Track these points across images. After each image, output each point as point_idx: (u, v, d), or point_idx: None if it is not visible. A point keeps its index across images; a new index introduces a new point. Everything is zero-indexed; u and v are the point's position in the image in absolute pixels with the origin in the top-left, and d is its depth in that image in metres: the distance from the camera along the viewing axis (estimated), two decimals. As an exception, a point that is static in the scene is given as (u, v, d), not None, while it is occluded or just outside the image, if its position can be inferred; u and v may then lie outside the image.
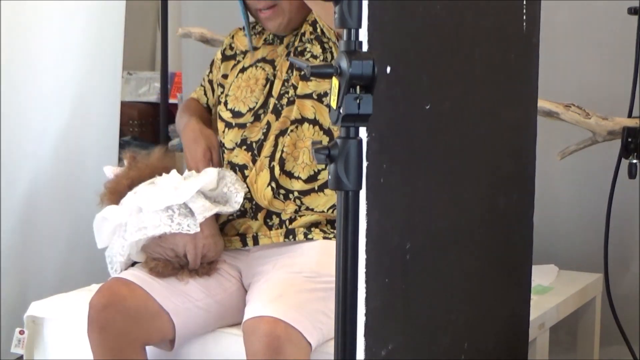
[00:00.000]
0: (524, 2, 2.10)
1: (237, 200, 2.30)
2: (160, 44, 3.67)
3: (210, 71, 2.57)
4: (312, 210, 2.31)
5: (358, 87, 1.42)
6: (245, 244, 2.35)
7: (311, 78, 2.29)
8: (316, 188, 2.30)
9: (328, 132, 2.30)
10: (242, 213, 2.34)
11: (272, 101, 2.35)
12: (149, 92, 4.80)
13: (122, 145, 3.70)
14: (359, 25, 1.43)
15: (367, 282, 1.62)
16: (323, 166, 2.27)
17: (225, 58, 2.52)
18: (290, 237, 2.30)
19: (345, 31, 1.43)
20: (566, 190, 3.41)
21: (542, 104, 2.59)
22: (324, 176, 2.29)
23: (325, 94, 2.29)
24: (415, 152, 1.78)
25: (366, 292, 1.63)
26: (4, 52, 3.06)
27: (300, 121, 2.30)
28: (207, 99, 2.58)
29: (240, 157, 2.36)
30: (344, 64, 1.41)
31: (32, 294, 2.93)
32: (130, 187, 2.37)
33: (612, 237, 2.86)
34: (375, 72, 1.41)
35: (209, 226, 2.30)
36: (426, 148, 1.81)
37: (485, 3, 1.96)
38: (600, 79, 3.26)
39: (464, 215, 1.97)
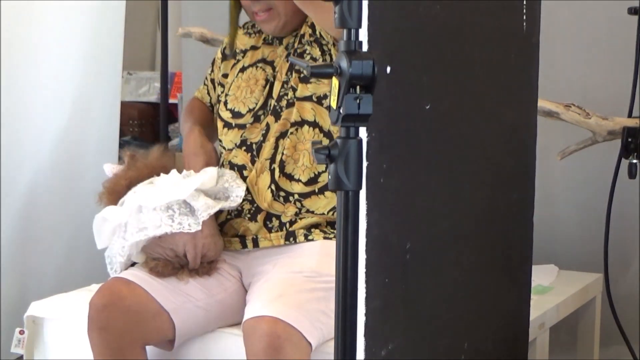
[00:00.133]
0: (524, 2, 2.10)
1: (238, 194, 2.30)
2: (160, 44, 3.68)
3: (212, 70, 2.57)
4: (312, 212, 2.31)
5: (358, 87, 1.42)
6: (244, 245, 2.35)
7: (310, 80, 2.29)
8: (316, 190, 2.30)
9: (328, 135, 2.30)
10: (239, 213, 2.34)
11: (271, 102, 2.35)
12: (149, 92, 4.80)
13: (122, 145, 3.70)
14: (359, 25, 1.43)
15: (367, 282, 1.63)
16: (323, 168, 2.27)
17: (225, 57, 2.51)
18: (291, 239, 2.30)
19: (345, 31, 1.43)
20: (566, 190, 3.41)
21: (542, 104, 2.59)
22: (324, 179, 2.29)
23: (325, 97, 2.29)
24: (415, 152, 1.78)
25: (366, 292, 1.63)
26: (4, 52, 3.06)
27: (300, 124, 2.30)
28: (210, 97, 2.58)
29: (240, 157, 2.36)
30: (344, 64, 1.41)
31: (32, 294, 2.93)
32: (128, 187, 2.37)
33: (612, 237, 2.86)
34: (375, 72, 1.41)
35: (209, 226, 2.30)
36: (426, 148, 1.82)
37: (485, 3, 1.96)
38: (600, 79, 3.26)
39: (464, 215, 1.97)
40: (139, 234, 2.26)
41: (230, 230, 2.37)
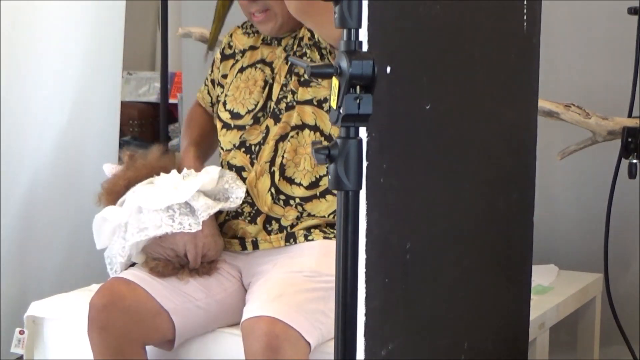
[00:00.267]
0: (525, 2, 2.10)
1: (238, 195, 2.30)
2: (160, 44, 3.67)
3: (212, 70, 2.56)
4: (313, 216, 2.31)
5: (358, 87, 1.42)
6: (244, 247, 2.35)
7: (311, 84, 2.29)
8: (318, 194, 2.30)
9: (329, 138, 2.29)
10: (238, 214, 2.34)
11: (271, 105, 2.35)
12: (149, 92, 4.80)
13: (122, 145, 3.70)
14: (359, 25, 1.43)
15: (367, 282, 1.62)
16: (324, 172, 2.27)
17: (224, 57, 2.51)
18: (291, 240, 2.30)
19: (345, 31, 1.43)
20: (566, 190, 3.41)
21: (542, 104, 2.59)
22: (326, 182, 2.29)
23: (326, 100, 2.28)
24: (415, 152, 1.78)
25: (366, 292, 1.63)
26: (4, 52, 3.05)
27: (300, 127, 2.29)
28: (211, 97, 2.57)
29: (239, 159, 2.36)
30: (344, 63, 1.41)
31: (32, 294, 2.93)
32: (127, 187, 2.36)
33: (612, 237, 2.86)
34: (375, 72, 1.41)
35: (209, 225, 2.30)
36: (426, 148, 1.81)
37: (485, 3, 1.96)
38: (600, 79, 3.26)
39: (464, 215, 1.97)
40: (140, 234, 2.26)
41: (229, 231, 2.37)
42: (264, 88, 2.37)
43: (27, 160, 3.20)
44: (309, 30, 2.33)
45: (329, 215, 2.31)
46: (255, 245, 2.33)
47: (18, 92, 3.14)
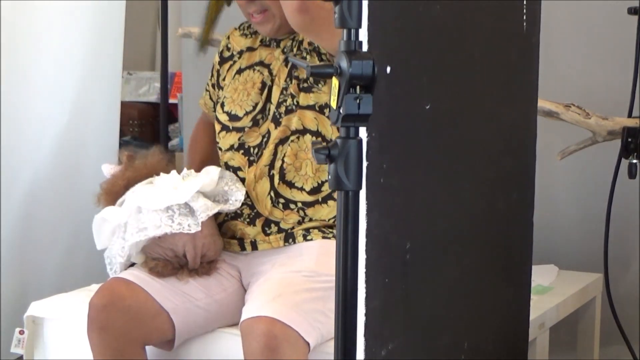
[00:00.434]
0: (524, 2, 2.10)
1: (237, 198, 2.30)
2: (160, 44, 3.67)
3: (212, 75, 2.56)
4: (315, 220, 2.31)
5: (358, 87, 1.42)
6: (243, 248, 2.35)
7: (313, 90, 2.29)
8: (320, 200, 2.30)
9: None
10: (237, 215, 2.34)
11: (271, 108, 2.34)
12: (149, 92, 4.80)
13: (122, 145, 3.70)
14: (359, 25, 1.43)
15: (367, 282, 1.62)
16: (326, 177, 2.27)
17: (223, 60, 2.51)
18: (290, 240, 2.30)
19: (345, 31, 1.43)
20: (566, 190, 3.41)
21: (542, 104, 2.59)
22: (327, 187, 2.29)
23: (327, 105, 2.28)
24: (415, 152, 1.78)
25: (366, 292, 1.63)
26: (4, 52, 3.06)
27: (302, 132, 2.29)
28: (213, 102, 2.57)
29: (237, 160, 2.36)
30: (344, 63, 1.41)
31: (32, 294, 2.93)
32: (126, 187, 2.36)
33: (612, 237, 2.86)
34: (375, 72, 1.41)
35: (208, 225, 2.30)
36: (426, 148, 1.81)
37: (485, 3, 1.96)
38: (600, 79, 3.26)
39: (464, 215, 1.97)
40: (139, 234, 2.26)
41: (228, 231, 2.37)
42: (261, 90, 2.37)
43: (27, 159, 3.20)
44: None
45: (329, 220, 2.31)
46: (254, 246, 2.33)
47: (18, 92, 3.14)
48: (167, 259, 2.30)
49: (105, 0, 3.37)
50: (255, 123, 2.35)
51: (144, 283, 2.25)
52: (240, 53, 2.47)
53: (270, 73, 2.38)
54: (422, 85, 1.78)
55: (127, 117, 4.48)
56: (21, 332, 2.50)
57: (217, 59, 2.53)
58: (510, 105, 2.12)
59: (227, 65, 2.49)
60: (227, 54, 2.51)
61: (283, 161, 2.30)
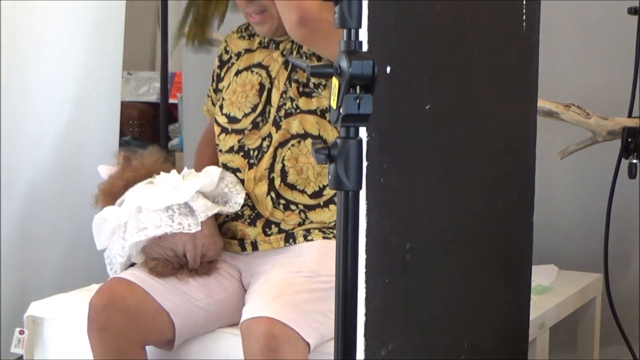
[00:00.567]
0: (524, 2, 2.10)
1: (237, 201, 2.30)
2: (160, 44, 3.67)
3: (212, 80, 2.56)
4: (315, 223, 2.31)
5: (358, 87, 1.42)
6: (243, 248, 2.35)
7: (313, 95, 2.29)
8: (322, 203, 2.31)
9: None
10: (237, 216, 2.34)
11: (271, 111, 2.34)
12: (149, 92, 4.80)
13: (122, 145, 3.70)
14: (359, 25, 1.43)
15: (367, 282, 1.62)
16: (327, 182, 2.27)
17: (222, 64, 2.51)
18: (291, 240, 2.30)
19: (345, 31, 1.43)
20: (566, 190, 3.41)
21: (542, 104, 2.59)
22: (329, 192, 2.29)
23: (328, 110, 2.28)
24: (415, 152, 1.78)
25: (366, 292, 1.63)
26: (4, 52, 3.05)
27: (303, 136, 2.29)
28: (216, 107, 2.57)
29: (236, 162, 2.36)
30: (344, 63, 1.41)
31: (32, 294, 2.93)
32: (125, 188, 2.36)
33: (612, 237, 2.86)
34: (375, 72, 1.41)
35: (208, 225, 2.30)
36: (426, 148, 1.81)
37: (485, 3, 1.96)
38: (600, 78, 3.26)
39: (464, 215, 1.97)
40: (139, 234, 2.26)
41: (228, 232, 2.37)
42: (260, 92, 2.37)
43: (27, 159, 3.20)
44: None
45: (330, 223, 2.31)
46: (255, 247, 2.33)
47: (18, 92, 3.14)
48: (167, 258, 2.30)
49: (105, 0, 3.37)
50: (255, 126, 2.35)
51: (144, 283, 2.25)
52: (238, 55, 2.47)
53: (269, 75, 2.37)
54: (422, 85, 1.78)
55: (127, 117, 4.48)
56: (21, 332, 2.50)
57: (216, 63, 2.54)
58: (510, 105, 2.12)
59: (225, 68, 2.49)
60: (225, 57, 2.51)
61: (283, 164, 2.30)
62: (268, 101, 2.35)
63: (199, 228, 2.26)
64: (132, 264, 2.36)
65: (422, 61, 1.77)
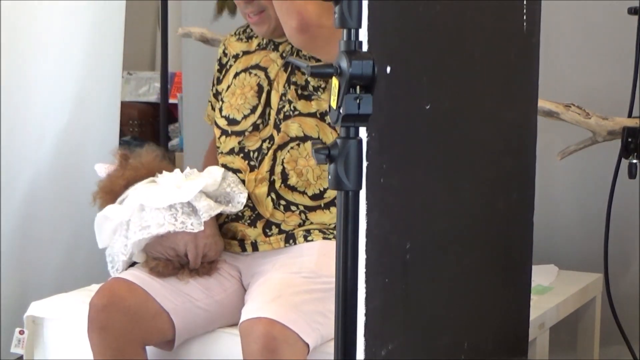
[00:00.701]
0: (524, 2, 2.10)
1: (240, 200, 2.30)
2: (160, 44, 3.67)
3: (213, 84, 2.56)
4: (316, 224, 2.31)
5: (358, 87, 1.42)
6: (244, 249, 2.35)
7: (312, 98, 2.29)
8: (322, 205, 2.31)
9: None
10: (237, 217, 2.34)
11: (271, 113, 2.34)
12: (149, 92, 4.80)
13: (122, 145, 3.70)
14: (359, 25, 1.43)
15: (367, 282, 1.62)
16: (327, 185, 2.27)
17: (221, 67, 2.52)
18: (291, 241, 2.30)
19: (345, 31, 1.43)
20: (566, 190, 3.41)
21: (542, 104, 2.59)
22: (330, 194, 2.29)
23: (327, 113, 2.28)
24: (415, 152, 1.78)
25: (366, 292, 1.63)
26: (4, 52, 3.06)
27: (302, 139, 2.29)
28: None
29: (237, 163, 2.36)
30: (344, 63, 1.41)
31: (32, 294, 2.93)
32: (126, 187, 2.36)
33: (612, 237, 2.86)
34: (375, 72, 1.41)
35: (210, 226, 2.30)
36: (426, 148, 1.81)
37: (485, 3, 1.96)
38: (600, 78, 3.26)
39: (464, 215, 1.97)
40: (142, 233, 2.26)
41: (229, 232, 2.37)
42: (258, 93, 2.37)
43: (27, 159, 3.20)
44: None
45: (330, 225, 2.31)
46: (255, 247, 2.33)
47: (18, 92, 3.14)
48: (168, 258, 2.30)
49: (105, 0, 3.37)
50: (256, 128, 2.35)
51: (144, 283, 2.25)
52: (236, 57, 2.47)
53: (267, 77, 2.37)
54: (422, 85, 1.78)
55: (127, 117, 4.48)
56: (21, 332, 2.50)
57: (216, 66, 2.54)
58: (510, 105, 2.12)
59: (224, 71, 2.50)
60: (224, 59, 2.51)
61: (283, 166, 2.30)
62: (268, 103, 2.35)
63: (202, 228, 2.26)
64: (133, 263, 2.36)
65: (422, 61, 1.77)
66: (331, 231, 2.30)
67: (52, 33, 3.23)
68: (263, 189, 2.30)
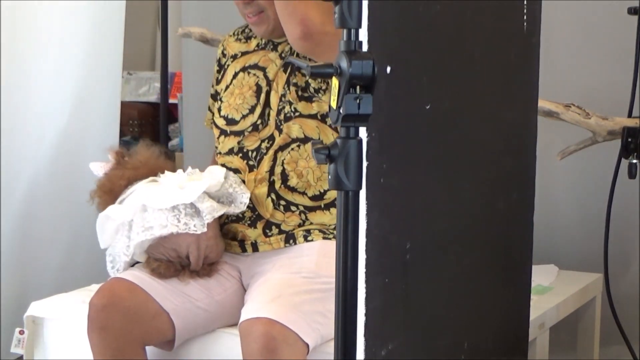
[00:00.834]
0: (525, 2, 2.10)
1: (242, 201, 2.30)
2: (160, 44, 3.67)
3: (212, 85, 2.56)
4: (316, 224, 2.31)
5: (358, 87, 1.42)
6: (244, 249, 2.35)
7: (313, 99, 2.29)
8: (322, 206, 2.31)
9: None
10: (238, 218, 2.34)
11: (271, 114, 2.34)
12: (149, 92, 4.80)
13: (122, 145, 3.69)
14: (359, 25, 1.43)
15: (367, 282, 1.62)
16: (327, 187, 2.26)
17: (220, 67, 2.52)
18: (291, 241, 2.30)
19: (345, 31, 1.43)
20: (566, 190, 3.41)
21: (542, 104, 2.59)
22: (330, 195, 2.29)
23: (328, 115, 2.28)
24: (415, 152, 1.78)
25: (366, 292, 1.63)
26: (4, 52, 3.06)
27: (303, 140, 2.30)
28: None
29: (235, 163, 2.36)
30: (344, 63, 1.41)
31: (32, 294, 2.93)
32: (127, 186, 2.36)
33: (612, 237, 2.86)
34: (375, 72, 1.41)
35: (212, 227, 2.30)
36: (426, 148, 1.81)
37: (485, 3, 1.96)
38: (600, 79, 3.26)
39: (464, 215, 1.97)
40: (145, 234, 2.25)
41: (229, 233, 2.37)
42: (257, 93, 2.37)
43: (27, 159, 3.20)
44: None
45: (330, 226, 2.31)
46: (255, 248, 2.33)
47: (18, 92, 3.14)
48: (169, 260, 2.30)
49: (105, 0, 3.37)
50: (255, 128, 2.35)
51: (144, 284, 2.25)
52: (234, 57, 2.47)
53: (266, 77, 2.37)
54: (422, 85, 1.78)
55: (127, 117, 4.48)
56: (21, 332, 2.50)
57: (215, 67, 2.54)
58: (510, 105, 2.12)
59: (222, 71, 2.50)
60: (223, 60, 2.51)
61: (283, 167, 2.30)
62: (267, 103, 2.35)
63: (205, 229, 2.25)
64: (133, 264, 2.36)
65: (422, 61, 1.77)
66: (331, 231, 2.30)
67: (52, 33, 3.23)
68: (263, 189, 2.30)
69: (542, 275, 2.97)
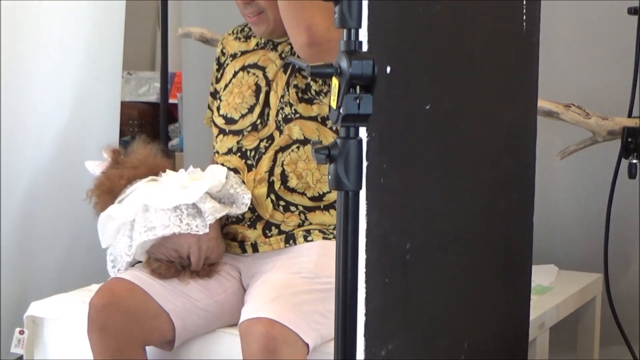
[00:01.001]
0: (524, 2, 2.10)
1: (244, 202, 2.29)
2: (160, 44, 3.67)
3: (212, 83, 2.56)
4: (315, 224, 2.31)
5: (358, 87, 1.42)
6: (244, 250, 2.35)
7: (314, 102, 2.29)
8: (322, 207, 2.31)
9: None
10: (238, 219, 2.34)
11: (270, 114, 2.34)
12: (149, 92, 4.80)
13: (122, 145, 3.69)
14: (359, 25, 1.43)
15: (367, 282, 1.62)
16: (327, 189, 2.26)
17: (219, 66, 2.52)
18: (291, 241, 2.30)
19: (345, 31, 1.43)
20: (566, 190, 3.41)
21: (542, 104, 2.59)
22: (329, 197, 2.29)
23: (328, 118, 2.28)
24: (415, 152, 1.78)
25: (366, 292, 1.63)
26: (4, 52, 3.05)
27: (302, 142, 2.30)
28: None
29: (233, 162, 2.36)
30: (344, 63, 1.41)
31: (32, 294, 2.93)
32: (126, 186, 2.35)
33: (612, 237, 2.86)
34: (375, 72, 1.41)
35: (214, 228, 2.30)
36: (426, 148, 1.81)
37: (485, 3, 1.96)
38: (600, 79, 3.26)
39: (464, 215, 1.97)
40: (147, 234, 2.25)
41: (229, 234, 2.37)
42: (256, 92, 2.37)
43: (27, 159, 3.20)
44: None
45: (329, 227, 2.31)
46: (255, 248, 2.33)
47: (18, 92, 3.14)
48: (169, 260, 2.29)
49: (105, 0, 3.37)
50: (254, 128, 2.35)
51: (144, 284, 2.25)
52: (234, 56, 2.47)
53: (266, 77, 2.37)
54: (422, 85, 1.78)
55: (127, 117, 4.48)
56: (21, 332, 2.50)
57: (215, 66, 2.54)
58: (510, 105, 2.12)
59: (222, 70, 2.50)
60: (222, 59, 2.51)
61: (283, 168, 2.30)
62: (266, 103, 2.35)
63: (207, 230, 2.25)
64: (134, 263, 2.36)
65: (422, 61, 1.77)
66: (331, 231, 2.30)
67: (52, 33, 3.23)
68: (262, 189, 2.30)
69: (542, 275, 2.97)
